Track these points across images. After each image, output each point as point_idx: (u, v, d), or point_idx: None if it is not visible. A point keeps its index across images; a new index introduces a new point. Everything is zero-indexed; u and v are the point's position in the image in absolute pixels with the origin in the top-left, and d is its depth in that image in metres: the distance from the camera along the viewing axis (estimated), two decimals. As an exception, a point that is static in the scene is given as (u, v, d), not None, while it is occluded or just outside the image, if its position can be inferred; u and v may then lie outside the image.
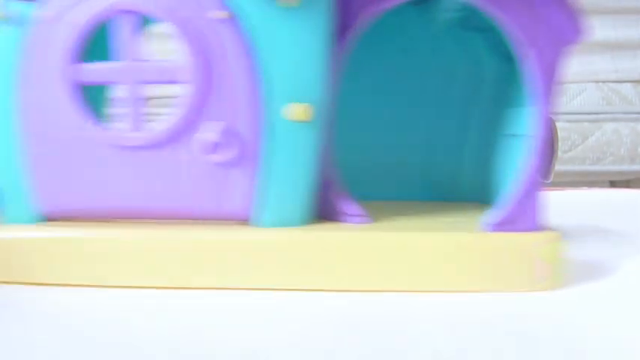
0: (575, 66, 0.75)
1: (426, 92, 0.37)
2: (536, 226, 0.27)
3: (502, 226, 0.27)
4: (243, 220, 0.28)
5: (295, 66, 0.26)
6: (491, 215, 0.27)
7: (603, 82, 0.79)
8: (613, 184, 0.81)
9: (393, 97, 0.37)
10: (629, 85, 0.79)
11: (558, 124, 0.29)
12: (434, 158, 0.38)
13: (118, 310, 0.24)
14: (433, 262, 0.26)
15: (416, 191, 0.38)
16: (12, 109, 0.27)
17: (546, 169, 0.28)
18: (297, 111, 0.26)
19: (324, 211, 0.30)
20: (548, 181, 0.29)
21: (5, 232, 0.28)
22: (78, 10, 0.26)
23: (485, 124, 0.36)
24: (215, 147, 0.26)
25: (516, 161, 0.31)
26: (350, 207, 0.29)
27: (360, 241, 0.27)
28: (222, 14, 0.25)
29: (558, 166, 0.32)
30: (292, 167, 0.27)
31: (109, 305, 0.25)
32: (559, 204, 0.36)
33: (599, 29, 0.75)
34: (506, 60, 0.35)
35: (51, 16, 0.26)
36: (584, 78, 0.78)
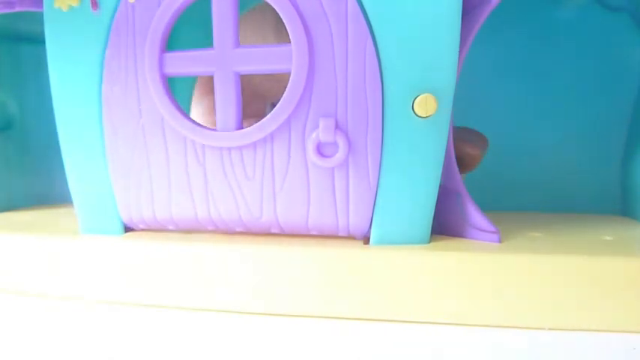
0: None
1: (557, 84, 0.31)
2: None
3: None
4: (356, 236, 0.24)
5: (421, 49, 0.21)
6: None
7: None
8: None
9: (519, 90, 0.31)
10: None
11: None
12: (562, 161, 0.32)
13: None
14: (599, 293, 0.21)
15: (539, 201, 0.32)
16: (98, 106, 0.24)
17: None
18: (422, 103, 0.21)
19: (444, 225, 0.25)
20: None
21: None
22: (168, -11, 0.22)
23: (633, 120, 0.30)
24: (323, 147, 0.22)
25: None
26: (480, 221, 0.24)
27: (502, 265, 0.21)
28: (333, -11, 0.21)
29: None
30: (415, 172, 0.22)
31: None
32: None
33: None
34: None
35: (137, -2, 0.23)
36: None
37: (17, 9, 0.29)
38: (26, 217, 0.32)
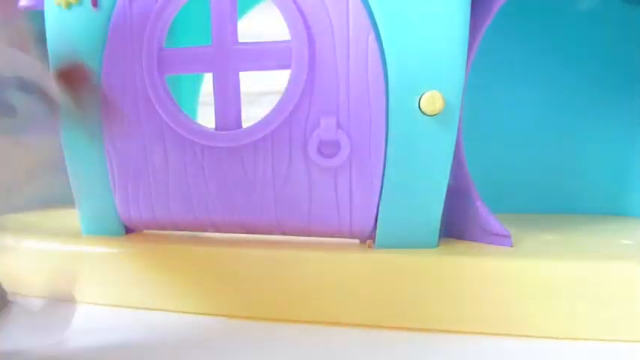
0: None
1: (571, 82, 0.29)
2: None
3: None
4: (360, 239, 0.23)
5: (428, 43, 0.20)
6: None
7: None
8: None
9: (531, 88, 0.30)
10: None
11: None
12: (577, 160, 0.30)
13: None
14: (617, 301, 0.20)
15: (553, 202, 0.31)
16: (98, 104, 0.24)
17: None
18: (428, 101, 0.20)
19: (453, 227, 0.24)
20: None
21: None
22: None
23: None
24: (325, 147, 0.21)
25: None
26: (491, 223, 0.23)
27: (514, 271, 0.20)
28: (334, -18, 0.20)
29: None
30: (422, 172, 0.21)
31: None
32: None
33: None
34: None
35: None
36: None
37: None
38: (34, 218, 0.32)
